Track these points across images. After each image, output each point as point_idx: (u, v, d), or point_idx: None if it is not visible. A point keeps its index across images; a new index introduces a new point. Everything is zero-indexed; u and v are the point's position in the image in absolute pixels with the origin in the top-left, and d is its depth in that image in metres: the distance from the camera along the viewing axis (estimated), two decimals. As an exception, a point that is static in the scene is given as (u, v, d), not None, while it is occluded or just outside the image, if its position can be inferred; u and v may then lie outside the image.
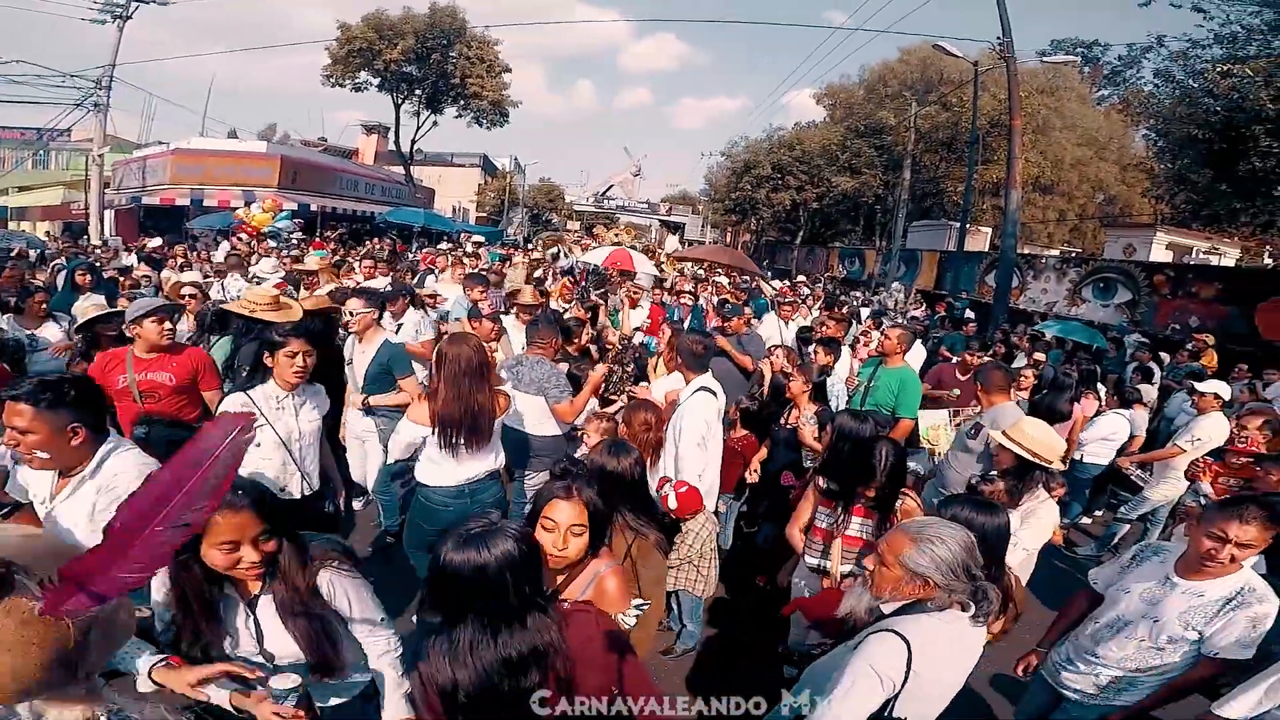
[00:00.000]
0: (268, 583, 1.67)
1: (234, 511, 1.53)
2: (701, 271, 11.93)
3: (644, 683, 1.51)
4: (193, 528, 0.93)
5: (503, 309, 7.02)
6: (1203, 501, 3.83)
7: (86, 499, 1.94)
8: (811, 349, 5.70)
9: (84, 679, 0.98)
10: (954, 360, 6.05)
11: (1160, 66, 17.38)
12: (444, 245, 18.68)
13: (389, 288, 6.29)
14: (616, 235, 13.96)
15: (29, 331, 4.94)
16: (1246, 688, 1.84)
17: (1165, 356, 8.70)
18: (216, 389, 3.60)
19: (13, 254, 11.31)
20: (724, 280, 10.60)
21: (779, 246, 35.46)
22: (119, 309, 4.16)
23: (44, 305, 5.18)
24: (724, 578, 4.18)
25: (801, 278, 18.24)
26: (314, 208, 21.16)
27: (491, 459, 3.09)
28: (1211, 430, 4.72)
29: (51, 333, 4.98)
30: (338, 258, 11.64)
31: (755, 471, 4.21)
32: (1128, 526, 5.25)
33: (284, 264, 9.05)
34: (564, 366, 4.16)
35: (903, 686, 1.51)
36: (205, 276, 8.18)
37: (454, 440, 2.90)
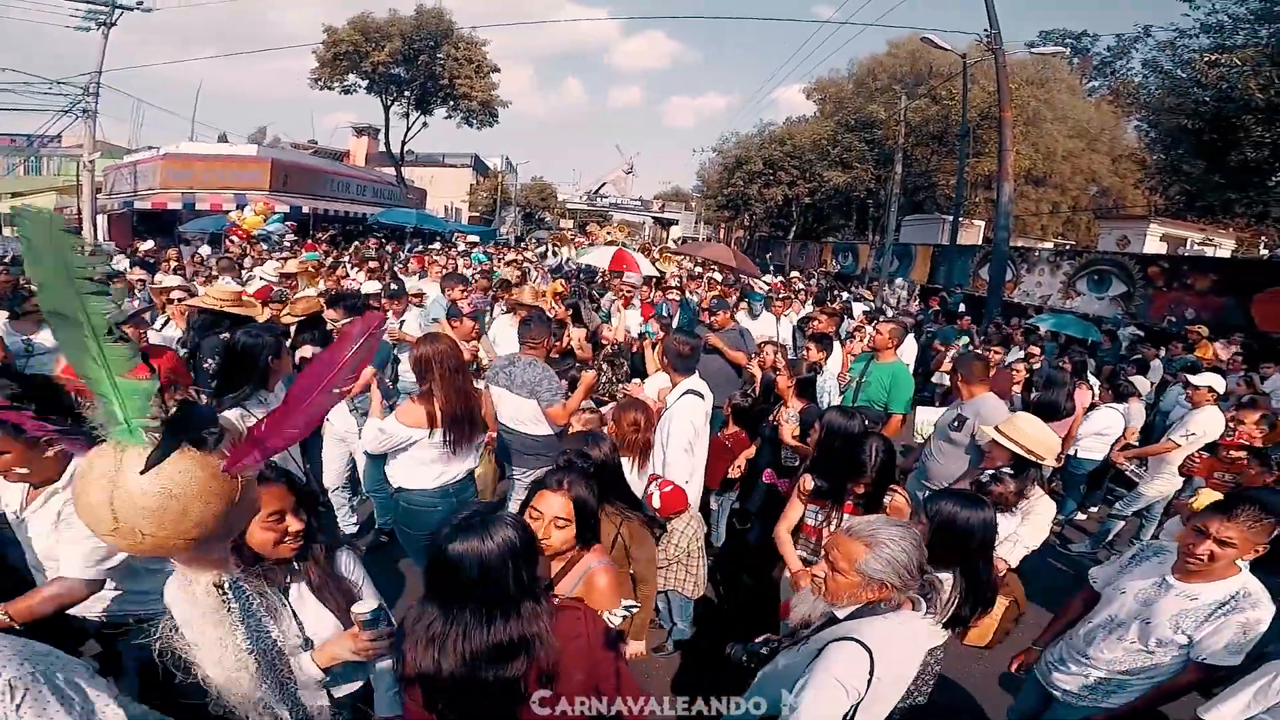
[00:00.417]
0: (298, 568, 1.73)
1: (273, 484, 1.63)
2: (699, 269, 11.94)
3: (628, 682, 1.53)
4: (340, 395, 1.16)
5: (490, 308, 7.04)
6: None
7: (53, 509, 1.94)
8: (803, 344, 5.71)
9: (225, 542, 1.15)
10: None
11: (1148, 57, 17.42)
12: (436, 246, 18.65)
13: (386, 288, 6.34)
14: (609, 233, 13.92)
15: (26, 336, 4.92)
16: (1234, 691, 1.80)
17: (1161, 349, 8.70)
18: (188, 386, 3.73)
19: (5, 259, 11.26)
20: (717, 276, 10.59)
21: (772, 242, 35.47)
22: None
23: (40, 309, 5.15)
24: (715, 576, 4.19)
25: (795, 273, 18.23)
26: (305, 210, 21.08)
27: (473, 457, 3.12)
28: (1206, 424, 4.70)
29: (48, 337, 4.95)
30: (330, 259, 11.61)
31: (739, 468, 4.20)
32: (1123, 523, 5.23)
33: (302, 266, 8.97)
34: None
35: (865, 694, 1.50)
36: (199, 280, 8.14)
37: (456, 438, 2.92)
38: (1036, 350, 6.99)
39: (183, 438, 0.96)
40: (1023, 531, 2.81)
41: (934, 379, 7.99)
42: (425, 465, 2.97)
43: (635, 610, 2.02)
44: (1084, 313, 13.16)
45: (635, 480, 3.08)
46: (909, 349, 6.58)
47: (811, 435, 3.22)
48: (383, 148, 33.67)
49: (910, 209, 26.36)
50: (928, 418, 4.71)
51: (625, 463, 3.00)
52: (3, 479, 1.98)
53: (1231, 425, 4.49)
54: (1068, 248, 20.75)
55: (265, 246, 13.28)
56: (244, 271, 9.06)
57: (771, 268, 22.43)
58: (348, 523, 4.43)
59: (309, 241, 16.04)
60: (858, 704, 1.49)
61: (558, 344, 5.21)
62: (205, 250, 12.70)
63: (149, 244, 15.14)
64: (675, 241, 34.70)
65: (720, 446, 4.20)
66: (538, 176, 53.98)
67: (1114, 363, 7.92)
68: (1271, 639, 2.02)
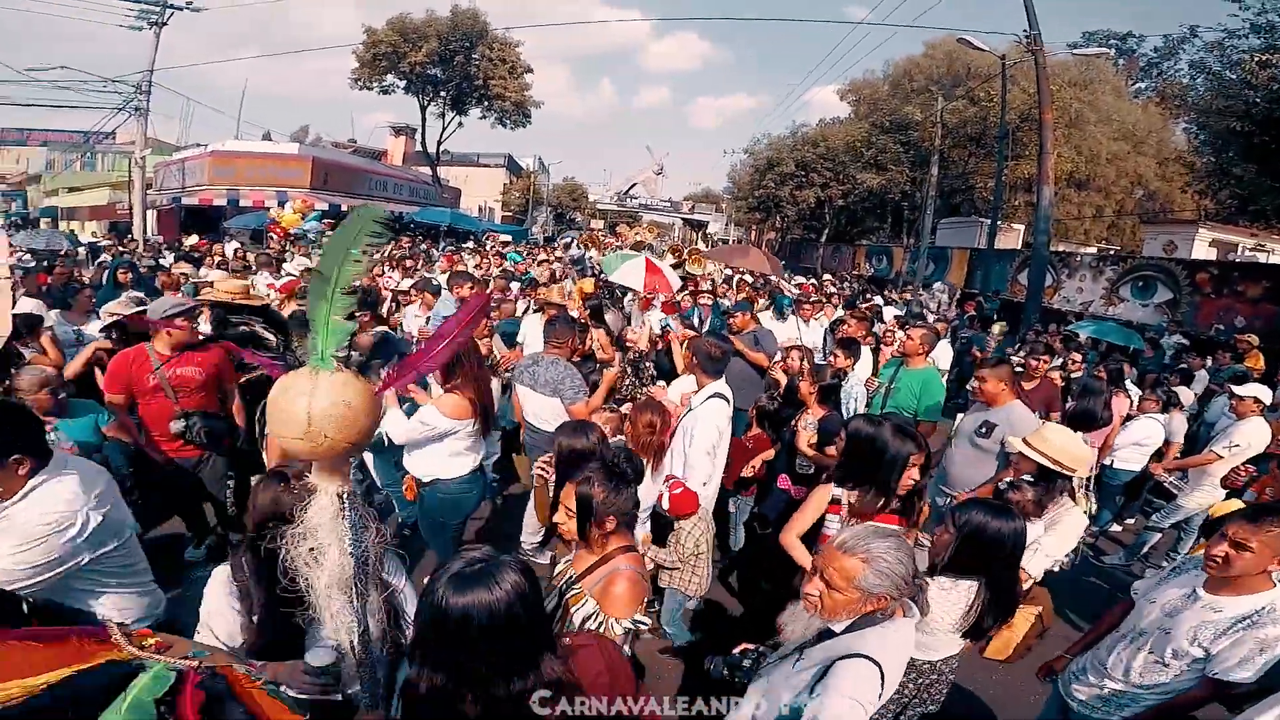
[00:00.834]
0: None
1: None
2: (729, 270, 11.88)
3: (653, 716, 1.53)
4: (462, 343, 1.58)
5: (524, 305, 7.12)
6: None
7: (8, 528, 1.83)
8: (831, 350, 5.65)
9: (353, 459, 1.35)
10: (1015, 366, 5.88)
11: (1195, 58, 16.81)
12: (469, 245, 18.92)
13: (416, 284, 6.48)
14: (638, 234, 13.94)
15: (76, 326, 5.16)
16: (1266, 706, 1.71)
17: (1208, 359, 8.41)
18: (236, 381, 3.79)
19: (62, 253, 11.78)
20: (748, 279, 10.54)
21: (804, 244, 35.12)
22: (142, 308, 4.30)
23: (91, 301, 5.39)
24: (728, 580, 4.18)
25: (828, 276, 18.04)
26: (344, 208, 21.52)
27: (491, 445, 3.28)
28: (1251, 436, 4.54)
29: (96, 328, 5.17)
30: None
31: (754, 468, 4.17)
32: (1159, 535, 5.07)
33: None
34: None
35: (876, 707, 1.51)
36: (236, 275, 8.37)
37: (485, 427, 3.07)
38: (1078, 357, 6.82)
39: (366, 368, 1.25)
40: (1046, 541, 2.74)
41: (969, 385, 7.83)
42: (459, 455, 3.11)
43: (645, 627, 1.98)
44: (1127, 320, 12.78)
45: (650, 482, 3.09)
46: (944, 354, 6.47)
47: (837, 443, 3.18)
48: (419, 147, 34.25)
49: (946, 211, 25.87)
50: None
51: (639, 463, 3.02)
52: None
53: (1280, 437, 4.33)
54: (1111, 253, 20.13)
55: (305, 243, 13.63)
56: (283, 267, 9.31)
57: (789, 274, 22.20)
58: (406, 513, 4.42)
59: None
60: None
61: (581, 346, 5.26)
62: (231, 247, 13.05)
63: (194, 239, 15.68)
64: (708, 240, 34.59)
65: (741, 448, 4.19)
66: (569, 177, 54.43)
67: (1157, 371, 7.68)
68: None
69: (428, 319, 5.78)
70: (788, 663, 1.74)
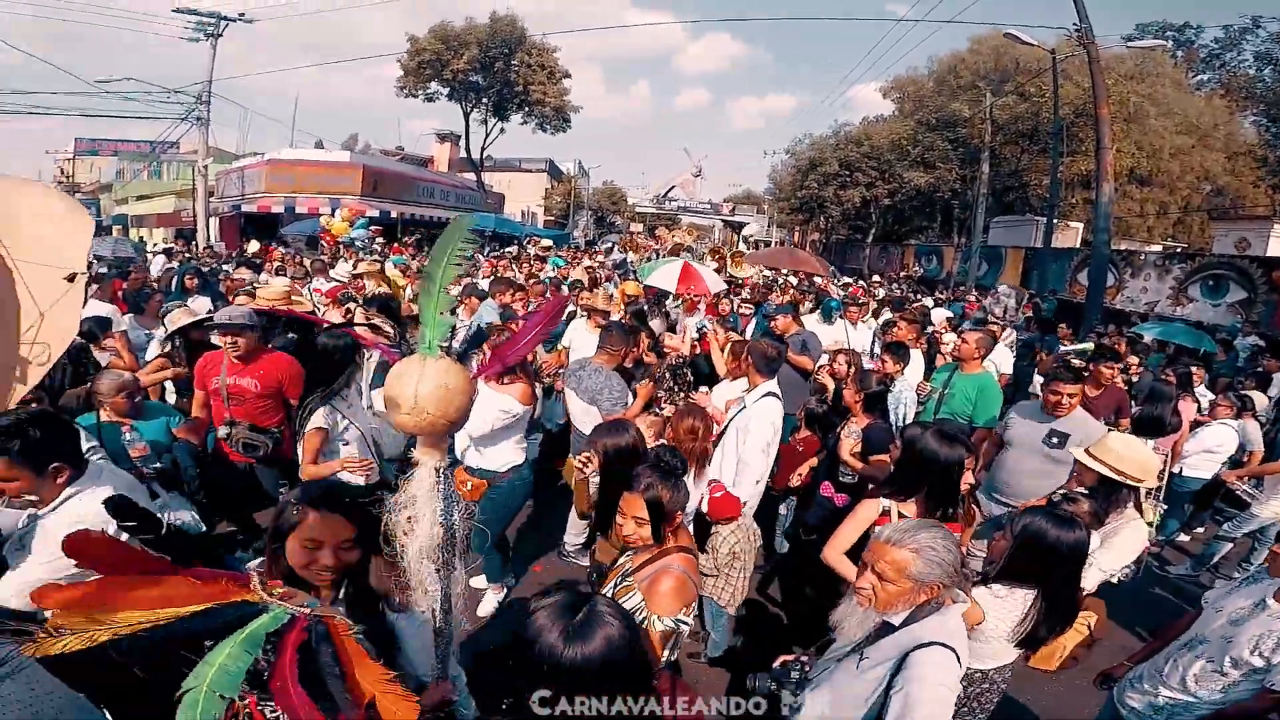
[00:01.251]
0: (337, 597, 1.59)
1: (328, 513, 1.50)
2: (769, 273, 11.77)
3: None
4: (542, 338, 1.65)
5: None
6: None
7: (31, 533, 1.89)
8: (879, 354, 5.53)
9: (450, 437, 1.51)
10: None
11: (1260, 49, 15.90)
12: (511, 250, 19.18)
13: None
14: (677, 236, 13.90)
15: (148, 330, 5.43)
16: None
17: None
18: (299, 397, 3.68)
19: (135, 259, 12.41)
20: (793, 280, 10.42)
21: (850, 245, 34.51)
22: (205, 316, 4.47)
23: (161, 305, 5.68)
24: (766, 588, 4.13)
25: (876, 277, 17.68)
26: (394, 214, 22.14)
27: None
28: (1334, 443, 4.29)
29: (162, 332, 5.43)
30: (417, 263, 12.15)
31: (800, 475, 4.12)
32: (1230, 545, 4.82)
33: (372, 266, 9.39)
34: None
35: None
36: (296, 281, 8.66)
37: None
38: (1134, 360, 6.51)
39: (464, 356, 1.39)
40: (1100, 555, 2.61)
41: (1030, 389, 7.54)
42: (524, 444, 3.47)
43: (686, 628, 1.98)
44: (1196, 321, 12.17)
45: (692, 488, 3.04)
46: (1003, 358, 6.25)
47: (892, 451, 3.10)
48: (464, 153, 34.92)
49: (1000, 210, 25.10)
50: None
51: None
52: (15, 509, 1.95)
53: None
54: (1178, 250, 19.21)
55: (356, 248, 14.05)
56: (330, 273, 9.61)
57: (835, 274, 21.84)
58: None
59: (395, 245, 16.82)
60: None
61: (634, 352, 5.26)
62: (281, 250, 13.58)
63: (255, 245, 16.30)
64: (746, 242, 34.28)
65: (791, 451, 4.15)
66: (608, 180, 54.69)
67: (1230, 375, 7.28)
68: None
69: (470, 324, 5.86)
70: (848, 665, 1.74)
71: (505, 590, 3.83)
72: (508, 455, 3.44)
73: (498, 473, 3.42)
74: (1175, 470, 4.92)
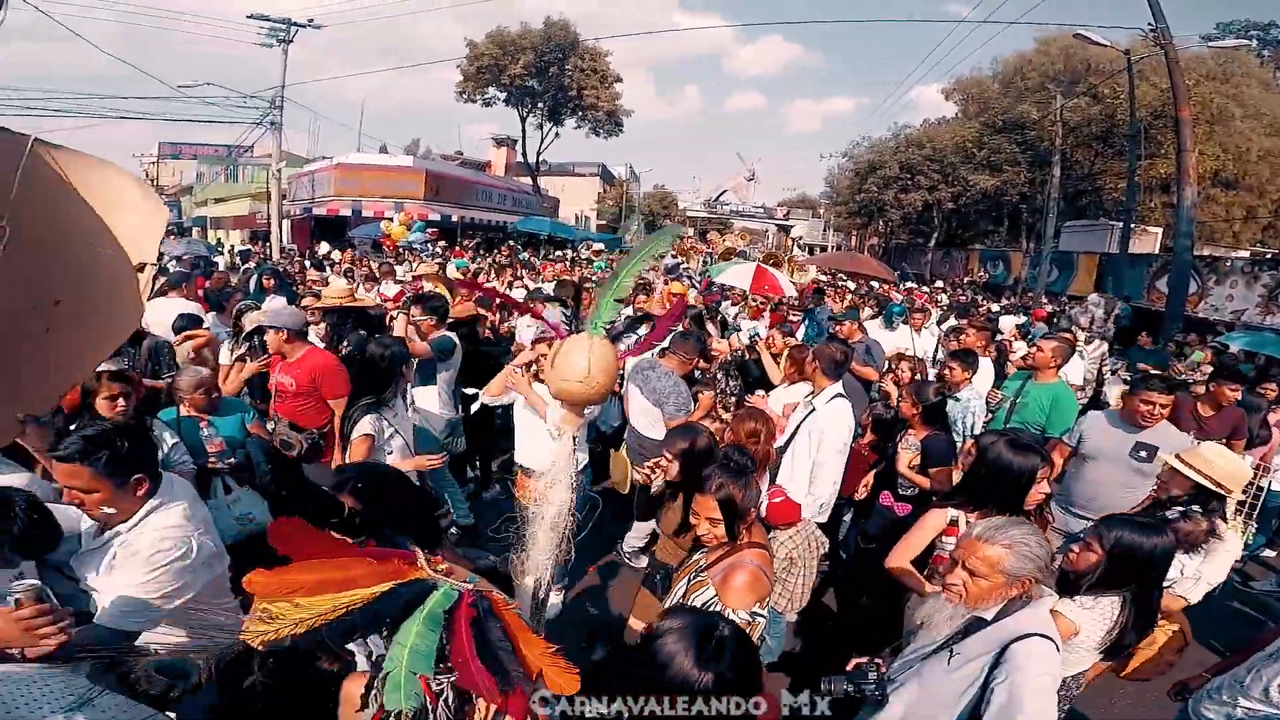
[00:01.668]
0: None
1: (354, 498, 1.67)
2: (824, 278, 11.61)
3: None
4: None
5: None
6: None
7: (111, 551, 1.84)
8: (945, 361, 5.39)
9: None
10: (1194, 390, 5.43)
11: None
12: (562, 253, 19.47)
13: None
14: (728, 241, 13.83)
15: (228, 329, 5.71)
16: None
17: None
18: (341, 397, 3.60)
19: (211, 259, 13.13)
20: (850, 285, 10.25)
21: (911, 249, 33.64)
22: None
23: (239, 304, 5.97)
24: (819, 596, 4.05)
25: (939, 283, 17.22)
26: (454, 218, 22.75)
27: None
28: None
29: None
30: (476, 266, 12.50)
31: (866, 486, 4.07)
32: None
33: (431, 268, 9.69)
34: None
35: None
36: (367, 285, 9.01)
37: None
38: (1209, 370, 6.20)
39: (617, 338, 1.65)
40: (1206, 569, 2.58)
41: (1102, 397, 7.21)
42: (584, 445, 3.46)
43: (762, 621, 2.02)
44: (1288, 332, 11.42)
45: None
46: (1074, 369, 6.03)
47: (962, 459, 3.04)
48: (520, 158, 35.63)
49: (1071, 214, 24.07)
50: None
51: None
52: (94, 521, 1.90)
53: None
54: (1268, 256, 18.03)
55: (415, 250, 14.52)
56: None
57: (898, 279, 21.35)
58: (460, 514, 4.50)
59: (456, 249, 17.28)
60: None
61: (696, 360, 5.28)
62: (334, 254, 14.08)
63: (324, 247, 17.00)
64: (796, 244, 33.84)
65: (859, 456, 4.10)
66: (659, 185, 54.80)
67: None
68: None
69: (539, 328, 5.97)
70: (936, 662, 1.76)
71: (563, 591, 3.85)
72: (582, 456, 3.46)
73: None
74: (1264, 484, 4.66)
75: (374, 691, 1.21)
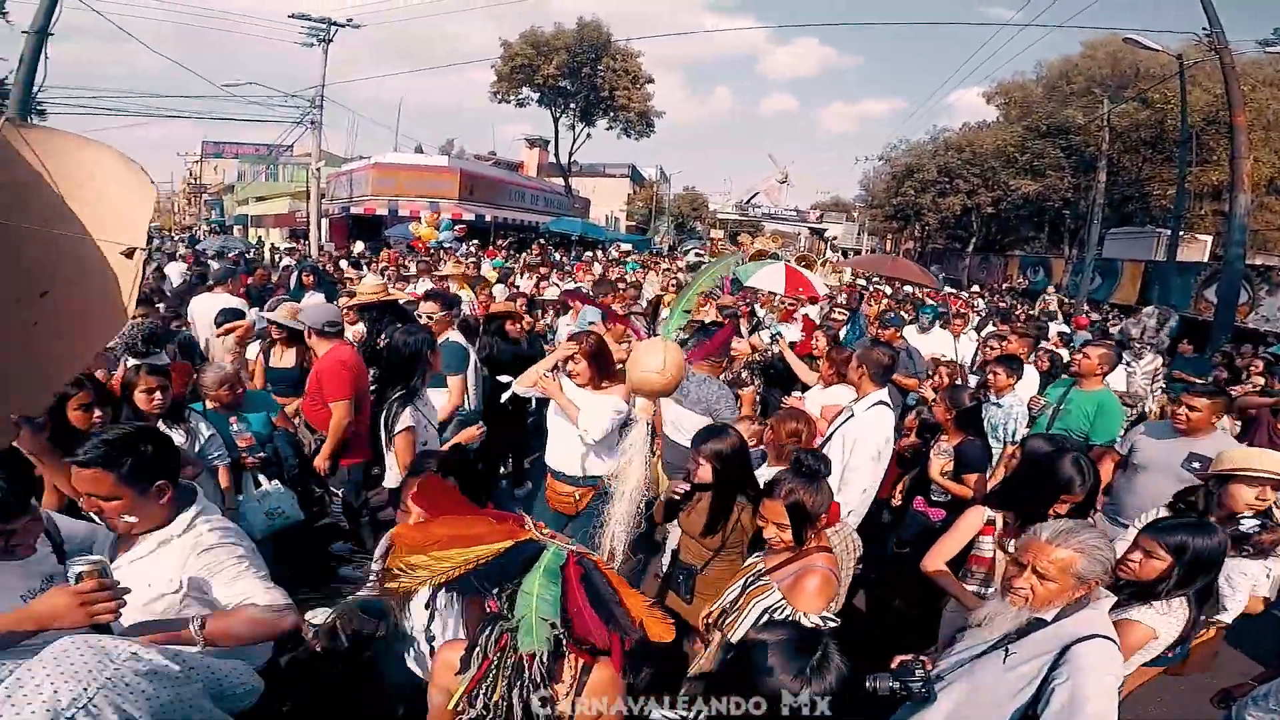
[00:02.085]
0: None
1: (430, 479, 1.70)
2: (862, 280, 11.49)
3: None
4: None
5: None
6: None
7: (176, 559, 1.74)
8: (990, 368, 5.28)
9: None
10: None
11: None
12: (590, 254, 19.56)
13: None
14: (759, 244, 13.77)
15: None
16: None
17: None
18: (340, 400, 3.51)
19: (249, 255, 13.48)
20: (886, 290, 10.13)
21: (948, 254, 33.10)
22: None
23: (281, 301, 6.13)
24: (857, 598, 4.01)
25: (975, 287, 16.92)
26: (488, 218, 23.01)
27: None
28: None
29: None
30: (510, 264, 12.64)
31: (900, 491, 4.02)
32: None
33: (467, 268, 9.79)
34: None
35: None
36: (400, 284, 9.14)
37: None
38: (1261, 381, 6.01)
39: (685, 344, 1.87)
40: (1275, 563, 2.64)
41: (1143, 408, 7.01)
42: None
43: (832, 625, 2.03)
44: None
45: None
46: (1117, 378, 5.87)
47: (1007, 463, 2.99)
48: (552, 158, 35.91)
49: (1117, 221, 23.46)
50: None
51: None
52: (111, 530, 1.80)
53: None
54: (1324, 267, 17.36)
55: (452, 249, 14.73)
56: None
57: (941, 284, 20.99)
58: None
59: (490, 249, 17.48)
60: None
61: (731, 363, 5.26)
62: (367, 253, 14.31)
63: (360, 246, 17.33)
64: (830, 245, 33.51)
65: (898, 456, 4.06)
66: (689, 186, 54.73)
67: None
68: None
69: (574, 325, 6.04)
70: (991, 661, 1.78)
71: None
72: (612, 460, 3.29)
73: (603, 479, 3.25)
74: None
75: (476, 650, 1.33)
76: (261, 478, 3.28)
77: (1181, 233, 16.38)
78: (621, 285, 8.81)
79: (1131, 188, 23.65)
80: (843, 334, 6.92)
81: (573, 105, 31.80)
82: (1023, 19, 36.64)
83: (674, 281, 10.50)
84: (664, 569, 3.32)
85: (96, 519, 1.79)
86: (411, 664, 1.90)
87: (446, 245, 15.25)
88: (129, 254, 1.80)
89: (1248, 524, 2.62)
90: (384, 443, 3.24)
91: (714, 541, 2.51)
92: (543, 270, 11.68)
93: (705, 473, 2.62)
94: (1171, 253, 15.22)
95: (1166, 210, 19.54)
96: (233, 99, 18.18)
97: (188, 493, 1.85)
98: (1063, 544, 1.72)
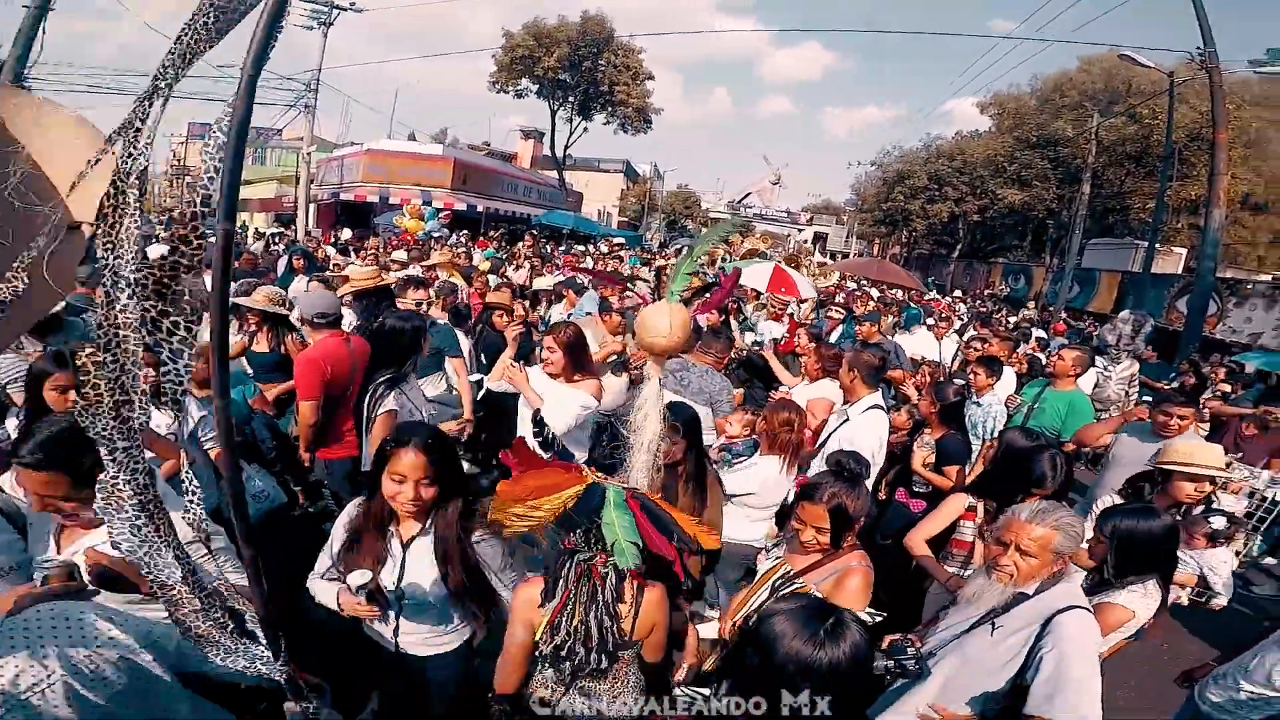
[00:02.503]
0: (427, 528, 1.93)
1: (412, 450, 1.82)
2: (852, 283, 11.72)
3: None
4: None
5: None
6: None
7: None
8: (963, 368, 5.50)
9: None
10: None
11: None
12: (581, 248, 19.56)
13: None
14: (749, 244, 13.92)
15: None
16: None
17: None
18: (307, 400, 3.30)
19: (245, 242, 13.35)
20: (873, 292, 10.36)
21: (934, 260, 33.54)
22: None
23: (273, 283, 6.17)
24: None
25: (958, 292, 17.25)
26: (480, 209, 22.88)
27: None
28: None
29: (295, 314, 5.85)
30: (502, 255, 12.69)
31: (886, 482, 4.19)
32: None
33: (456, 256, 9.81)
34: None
35: None
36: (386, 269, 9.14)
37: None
38: (1227, 389, 6.30)
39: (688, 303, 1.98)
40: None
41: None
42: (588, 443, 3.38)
43: (878, 619, 2.11)
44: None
45: (783, 479, 3.17)
46: (1086, 380, 6.12)
47: (985, 454, 3.17)
48: (547, 151, 35.75)
49: (1098, 232, 23.96)
50: None
51: (775, 461, 3.13)
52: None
53: None
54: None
55: (442, 238, 14.68)
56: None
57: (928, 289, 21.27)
58: None
59: (481, 239, 17.44)
60: None
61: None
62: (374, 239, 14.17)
63: (347, 233, 17.19)
64: (815, 247, 33.84)
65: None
66: (683, 184, 54.80)
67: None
68: None
69: (569, 314, 6.16)
70: (978, 635, 1.91)
71: None
72: (580, 454, 3.29)
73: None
74: (1269, 495, 4.76)
75: (560, 583, 1.66)
76: (242, 461, 3.10)
77: (1158, 245, 16.80)
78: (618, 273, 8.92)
79: (1113, 200, 24.11)
80: (838, 332, 7.12)
81: (571, 98, 31.63)
82: (1022, 33, 37.07)
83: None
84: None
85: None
86: (326, 600, 1.97)
87: (435, 235, 15.18)
88: (75, 226, 1.67)
89: (1217, 521, 2.82)
90: (364, 426, 3.17)
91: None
92: (534, 261, 11.75)
93: (679, 449, 2.63)
94: (1147, 264, 15.63)
95: (1145, 222, 20.02)
96: (225, 79, 17.86)
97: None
98: (1041, 522, 1.86)
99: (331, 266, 9.87)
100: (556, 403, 3.18)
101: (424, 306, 4.87)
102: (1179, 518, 2.90)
